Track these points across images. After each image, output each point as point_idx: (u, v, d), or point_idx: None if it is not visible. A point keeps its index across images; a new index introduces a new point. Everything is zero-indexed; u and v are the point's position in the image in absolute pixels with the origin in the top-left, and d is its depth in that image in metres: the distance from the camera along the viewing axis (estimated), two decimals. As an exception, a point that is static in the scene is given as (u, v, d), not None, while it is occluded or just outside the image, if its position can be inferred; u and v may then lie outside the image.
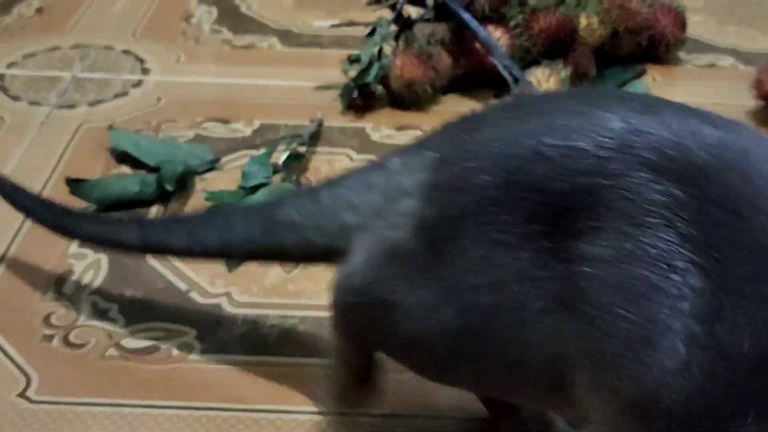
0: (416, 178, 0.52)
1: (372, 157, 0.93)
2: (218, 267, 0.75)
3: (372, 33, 1.00)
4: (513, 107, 0.56)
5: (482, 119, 0.55)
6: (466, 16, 0.99)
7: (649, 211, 0.45)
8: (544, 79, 0.99)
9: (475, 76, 1.02)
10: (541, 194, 0.47)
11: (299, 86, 1.05)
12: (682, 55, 1.13)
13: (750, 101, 1.01)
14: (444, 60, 1.01)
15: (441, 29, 1.03)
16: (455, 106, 1.01)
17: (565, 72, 0.99)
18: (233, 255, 0.66)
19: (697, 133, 0.47)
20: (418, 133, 0.97)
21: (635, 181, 0.45)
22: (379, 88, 1.00)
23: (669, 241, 0.44)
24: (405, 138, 0.96)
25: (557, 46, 1.01)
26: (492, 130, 0.51)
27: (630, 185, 0.45)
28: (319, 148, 0.94)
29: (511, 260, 0.47)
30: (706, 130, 0.47)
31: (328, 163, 0.92)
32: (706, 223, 0.44)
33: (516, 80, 0.98)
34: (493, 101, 1.02)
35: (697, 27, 1.20)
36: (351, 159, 0.93)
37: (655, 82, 1.08)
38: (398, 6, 1.01)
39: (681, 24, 1.09)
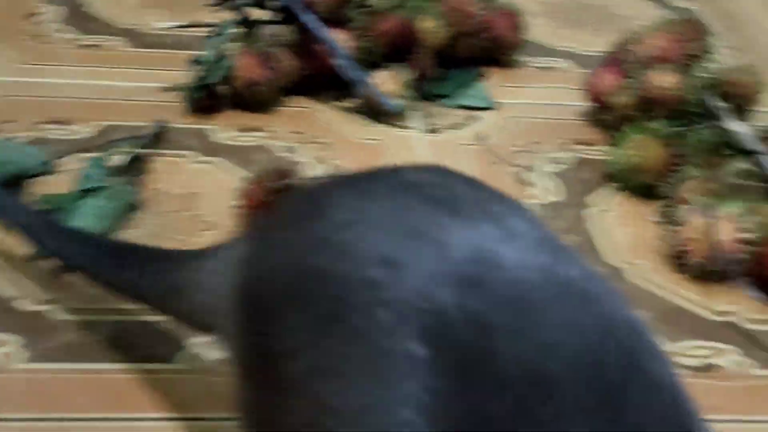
0: (232, 278, 0.51)
1: (216, 159, 0.93)
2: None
3: (216, 34, 1.00)
4: (306, 202, 0.51)
5: (282, 213, 0.52)
6: (308, 18, 1.00)
7: (382, 358, 0.41)
8: (386, 81, 1.01)
9: (318, 77, 1.03)
10: (303, 312, 0.44)
11: (144, 87, 1.04)
12: (521, 57, 1.17)
13: (583, 102, 1.06)
14: (286, 61, 1.02)
15: (286, 31, 1.05)
16: (299, 107, 1.03)
17: (406, 74, 1.02)
18: (144, 301, 0.65)
19: (488, 263, 0.42)
20: (261, 134, 0.97)
21: (379, 320, 0.41)
22: (223, 90, 1.00)
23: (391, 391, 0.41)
24: (249, 139, 0.97)
25: (398, 48, 1.04)
26: (280, 232, 0.49)
27: (372, 325, 0.41)
28: (161, 150, 0.94)
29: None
30: (503, 264, 0.43)
31: (171, 164, 0.92)
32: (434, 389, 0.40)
33: (359, 82, 1.00)
34: (336, 103, 1.03)
35: (536, 31, 1.25)
36: (194, 161, 0.93)
37: (493, 84, 1.12)
38: (241, 8, 1.01)
39: (519, 27, 1.13)
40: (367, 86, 1.00)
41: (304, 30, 1.01)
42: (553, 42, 1.23)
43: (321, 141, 0.97)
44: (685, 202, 0.86)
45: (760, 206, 0.84)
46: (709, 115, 0.95)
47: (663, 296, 0.81)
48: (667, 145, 0.91)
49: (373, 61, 1.04)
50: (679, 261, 0.83)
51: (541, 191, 0.93)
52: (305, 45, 1.02)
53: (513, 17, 1.13)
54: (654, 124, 0.93)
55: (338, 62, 1.00)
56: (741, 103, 0.97)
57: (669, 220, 0.86)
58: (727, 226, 0.81)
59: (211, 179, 0.90)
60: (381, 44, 1.04)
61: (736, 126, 0.92)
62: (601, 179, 0.95)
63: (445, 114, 1.05)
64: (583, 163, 0.98)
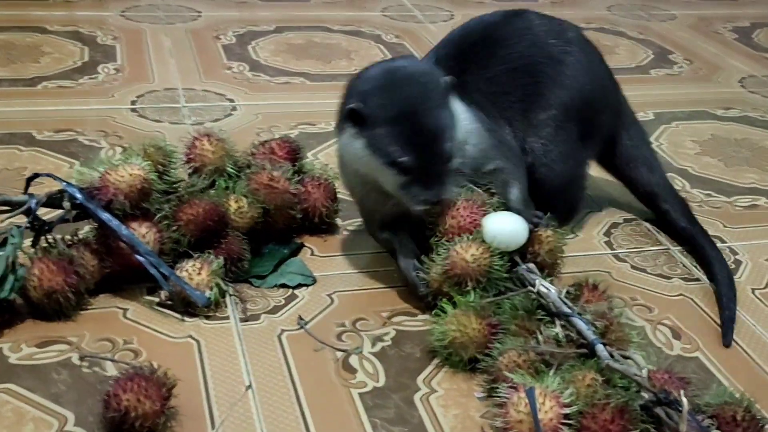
0: None
1: (9, 385, 0.85)
2: None
3: (3, 243, 0.93)
4: None
5: None
6: (105, 216, 0.95)
7: None
8: (195, 272, 0.96)
9: (124, 273, 0.98)
10: None
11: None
12: (339, 221, 1.16)
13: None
14: (89, 261, 0.96)
15: (86, 228, 0.99)
16: (105, 308, 0.97)
17: (217, 262, 0.98)
18: None
19: None
20: (64, 347, 0.90)
21: None
22: (17, 301, 0.93)
23: None
24: (49, 356, 0.89)
25: (208, 233, 1.00)
26: None
27: None
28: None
29: None
30: None
31: (-41, 396, 0.83)
32: None
33: (165, 278, 0.95)
34: (144, 299, 0.98)
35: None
36: (-13, 387, 0.85)
37: (313, 255, 1.09)
38: (32, 209, 0.95)
39: (332, 194, 1.12)
40: (175, 280, 0.95)
41: (103, 227, 0.96)
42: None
43: (130, 347, 0.91)
44: (504, 379, 0.85)
45: (577, 373, 0.84)
46: (520, 280, 0.95)
47: (496, 484, 0.79)
48: (483, 317, 0.90)
49: (182, 250, 0.99)
50: (507, 444, 0.82)
51: (365, 376, 0.90)
52: (106, 241, 0.97)
53: (326, 185, 1.11)
54: (468, 297, 0.92)
55: (141, 258, 0.95)
56: (547, 262, 0.98)
57: (493, 398, 0.85)
58: (548, 403, 0.80)
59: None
60: (189, 232, 1.00)
61: (545, 289, 0.93)
62: (424, 355, 0.93)
63: (262, 297, 1.01)
64: (405, 337, 0.96)
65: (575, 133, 1.11)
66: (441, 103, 0.94)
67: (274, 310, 0.99)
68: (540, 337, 0.89)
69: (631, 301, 1.06)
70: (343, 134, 0.96)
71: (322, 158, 1.32)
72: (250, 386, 0.87)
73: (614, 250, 1.16)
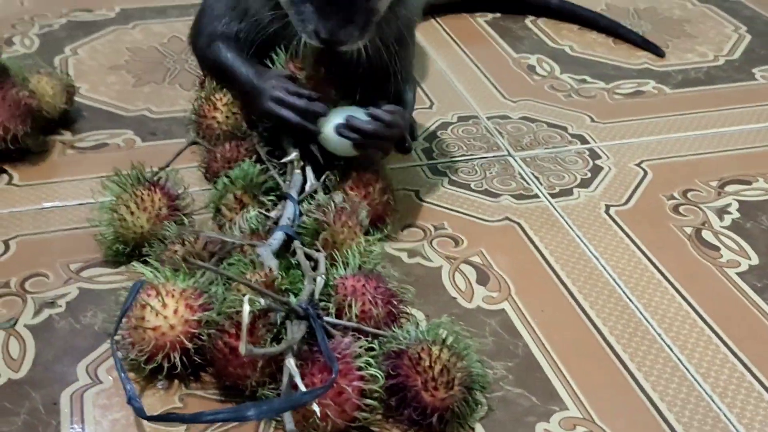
0: None
1: None
2: None
3: None
4: None
5: None
6: None
7: None
8: None
9: None
10: None
11: None
12: (67, 136, 0.87)
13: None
14: None
15: None
16: None
17: None
18: None
19: None
20: None
21: None
22: None
23: None
24: None
25: None
26: None
27: None
28: None
29: None
30: None
31: None
32: None
33: None
34: None
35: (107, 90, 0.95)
36: None
37: (9, 184, 0.80)
38: None
39: (23, 109, 0.80)
40: None
41: None
42: (124, 104, 0.93)
43: None
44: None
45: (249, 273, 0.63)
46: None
47: None
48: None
49: None
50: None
51: (2, 364, 0.62)
52: None
53: (13, 94, 0.79)
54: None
55: None
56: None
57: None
58: (173, 305, 0.60)
59: None
60: None
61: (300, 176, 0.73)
62: (107, 326, 0.66)
63: None
64: (89, 300, 0.68)
65: None
66: None
67: None
68: (240, 221, 0.68)
69: (434, 232, 0.77)
70: None
71: (83, 53, 1.02)
72: None
73: (433, 159, 0.87)
